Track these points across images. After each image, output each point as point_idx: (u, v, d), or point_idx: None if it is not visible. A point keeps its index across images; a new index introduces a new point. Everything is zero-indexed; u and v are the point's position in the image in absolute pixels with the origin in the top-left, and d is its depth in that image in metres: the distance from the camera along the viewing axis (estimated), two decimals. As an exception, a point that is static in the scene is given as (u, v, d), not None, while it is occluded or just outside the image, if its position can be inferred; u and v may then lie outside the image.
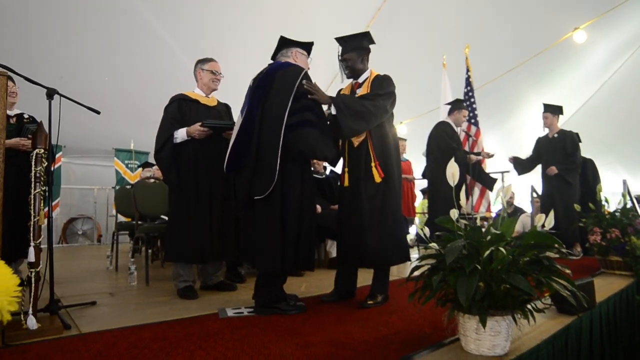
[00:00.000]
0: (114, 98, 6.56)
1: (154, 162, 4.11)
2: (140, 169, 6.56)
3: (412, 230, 6.84)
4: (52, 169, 2.40)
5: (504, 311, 1.61)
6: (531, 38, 6.37)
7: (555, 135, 5.13)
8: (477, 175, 4.90)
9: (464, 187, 1.81)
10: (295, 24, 6.28)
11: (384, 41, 6.95)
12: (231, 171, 2.60)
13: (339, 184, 3.04)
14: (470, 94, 5.72)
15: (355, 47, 2.76)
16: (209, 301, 2.79)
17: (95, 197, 7.59)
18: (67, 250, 6.56)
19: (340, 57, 2.77)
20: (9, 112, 3.12)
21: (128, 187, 4.63)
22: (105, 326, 2.16)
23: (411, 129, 8.35)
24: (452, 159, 1.77)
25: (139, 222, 3.69)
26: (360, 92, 2.75)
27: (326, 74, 7.24)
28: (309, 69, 2.70)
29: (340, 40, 2.81)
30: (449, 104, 5.00)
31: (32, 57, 5.57)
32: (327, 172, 5.13)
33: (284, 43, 2.70)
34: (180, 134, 2.95)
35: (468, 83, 5.78)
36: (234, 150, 2.52)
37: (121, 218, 4.55)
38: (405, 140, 6.66)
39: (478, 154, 4.89)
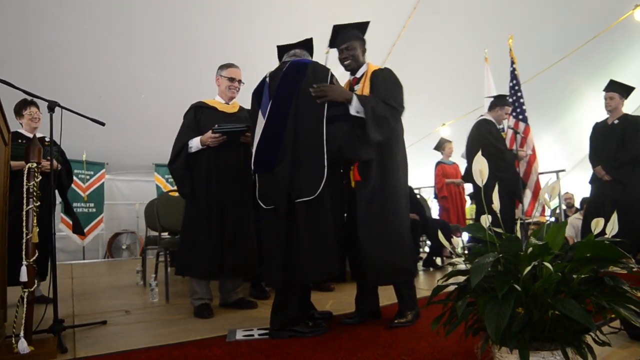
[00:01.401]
0: (152, 114, 6.68)
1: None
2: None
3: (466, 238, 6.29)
4: (54, 182, 2.31)
5: (553, 344, 1.25)
6: (584, 21, 5.69)
7: (616, 121, 4.10)
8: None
9: (496, 188, 1.47)
10: (328, 28, 6.08)
11: (421, 41, 6.62)
12: (260, 172, 2.32)
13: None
14: (516, 87, 5.20)
15: (357, 36, 2.46)
16: (225, 320, 2.60)
17: (137, 212, 7.75)
18: (109, 265, 6.71)
19: (338, 48, 2.47)
20: (29, 135, 3.17)
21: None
22: (104, 350, 2.01)
23: (455, 130, 7.83)
24: (479, 153, 1.43)
25: (164, 236, 3.60)
26: (359, 89, 2.42)
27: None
28: None
29: (338, 27, 2.47)
30: (491, 97, 4.55)
31: (73, 80, 5.78)
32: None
33: (306, 45, 2.52)
34: (195, 143, 2.81)
35: (514, 76, 5.26)
36: (262, 148, 2.28)
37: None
38: (451, 142, 6.23)
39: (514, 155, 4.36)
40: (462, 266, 1.43)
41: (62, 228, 6.87)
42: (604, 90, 4.18)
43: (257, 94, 2.43)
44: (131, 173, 8.17)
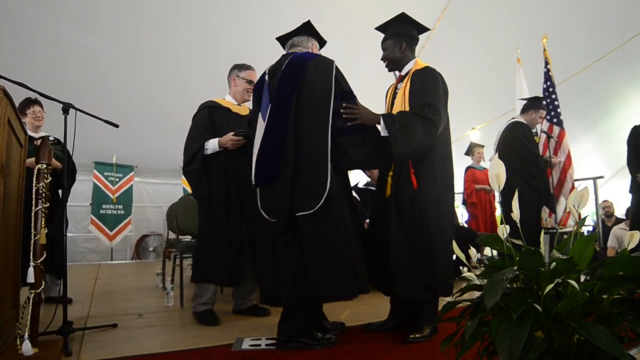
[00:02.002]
0: (178, 119, 6.78)
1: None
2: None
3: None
4: (64, 183, 2.32)
5: (579, 375, 1.09)
6: (623, 19, 5.30)
7: None
8: None
9: (516, 195, 1.32)
10: (359, 29, 6.00)
11: (451, 41, 6.40)
12: (262, 184, 2.19)
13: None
14: (551, 89, 4.91)
15: (392, 35, 2.39)
16: (235, 327, 2.54)
17: (165, 214, 7.87)
18: (135, 266, 6.82)
19: None
20: (34, 134, 3.20)
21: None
22: (108, 354, 1.99)
23: (485, 135, 7.53)
24: (496, 155, 1.29)
25: (182, 239, 3.60)
26: (401, 88, 2.32)
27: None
28: None
29: (379, 29, 2.45)
30: (524, 99, 4.30)
31: (102, 85, 5.95)
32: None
33: (308, 29, 2.35)
34: (212, 145, 2.69)
35: (548, 78, 4.98)
36: (263, 158, 2.14)
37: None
38: (482, 147, 5.98)
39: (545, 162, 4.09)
40: (476, 281, 1.29)
41: (92, 229, 7.07)
42: None
43: (257, 92, 2.31)
44: (159, 176, 8.33)
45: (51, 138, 3.25)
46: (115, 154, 7.26)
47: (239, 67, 2.91)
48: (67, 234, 7.57)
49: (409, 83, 2.28)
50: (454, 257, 2.03)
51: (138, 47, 5.65)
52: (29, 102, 3.22)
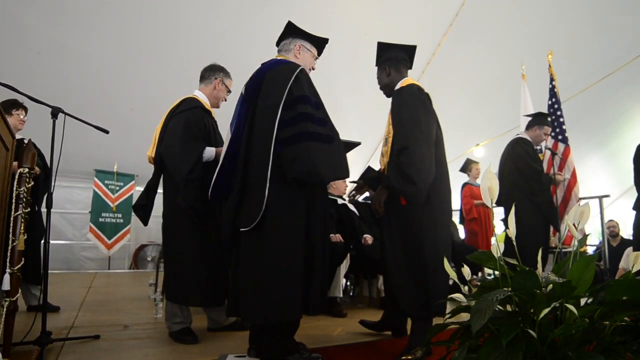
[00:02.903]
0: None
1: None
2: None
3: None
4: (52, 190, 2.25)
5: (577, 410, 0.99)
6: (630, 36, 5.23)
7: None
8: None
9: (513, 210, 1.24)
10: (364, 44, 5.99)
11: (456, 56, 6.37)
12: (216, 200, 2.17)
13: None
14: (556, 106, 4.83)
15: (378, 64, 2.54)
16: (220, 341, 2.44)
17: (164, 224, 7.82)
18: (131, 276, 6.74)
19: None
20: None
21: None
22: (83, 368, 1.89)
23: (489, 151, 7.44)
24: (489, 168, 1.21)
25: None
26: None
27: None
28: (313, 68, 2.27)
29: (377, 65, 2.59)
30: (529, 115, 4.22)
31: (104, 93, 5.96)
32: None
33: (289, 31, 2.24)
34: (208, 154, 2.47)
35: (553, 94, 4.90)
36: (221, 174, 2.11)
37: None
38: (478, 163, 5.89)
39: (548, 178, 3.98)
40: (465, 302, 1.19)
41: (90, 237, 7.01)
42: None
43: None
44: (160, 186, 8.28)
45: (25, 141, 3.20)
46: (116, 162, 7.24)
47: (226, 73, 2.77)
48: (65, 242, 7.47)
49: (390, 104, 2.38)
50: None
51: (141, 55, 5.67)
52: (17, 104, 3.17)
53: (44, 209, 2.52)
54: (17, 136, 3.23)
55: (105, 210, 7.11)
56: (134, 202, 7.48)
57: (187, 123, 2.49)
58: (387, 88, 2.48)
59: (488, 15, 5.56)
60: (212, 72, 2.73)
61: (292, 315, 1.90)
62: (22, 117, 3.20)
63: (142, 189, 9.08)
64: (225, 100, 2.81)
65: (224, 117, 2.67)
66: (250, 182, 1.97)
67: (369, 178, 2.65)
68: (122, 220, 7.26)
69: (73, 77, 5.61)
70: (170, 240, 2.57)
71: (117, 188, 7.31)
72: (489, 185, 1.16)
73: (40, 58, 5.29)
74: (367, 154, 7.76)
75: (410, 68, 2.55)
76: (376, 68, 2.57)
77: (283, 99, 1.93)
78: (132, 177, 7.47)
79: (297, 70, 2.00)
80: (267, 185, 1.88)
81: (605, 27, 5.12)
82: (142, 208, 2.65)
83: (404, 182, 2.10)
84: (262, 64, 2.18)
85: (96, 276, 6.34)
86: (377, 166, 2.69)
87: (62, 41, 5.15)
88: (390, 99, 2.45)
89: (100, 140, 6.22)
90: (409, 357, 2.07)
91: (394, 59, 2.45)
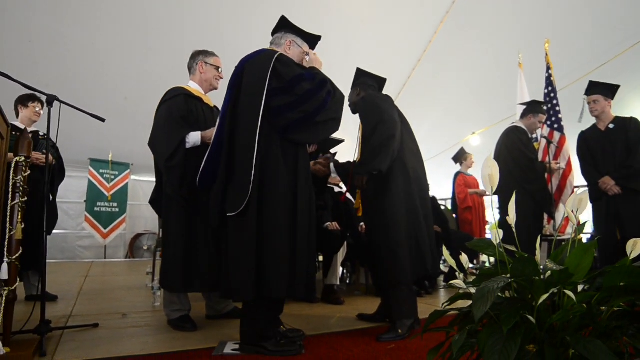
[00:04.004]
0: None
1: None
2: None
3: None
4: (53, 180, 2.23)
5: (574, 393, 1.01)
6: (627, 24, 5.19)
7: (611, 126, 3.59)
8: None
9: (513, 198, 1.25)
10: (360, 32, 5.94)
11: (453, 45, 6.33)
12: (204, 186, 2.20)
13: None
14: (552, 94, 4.84)
15: (353, 85, 2.88)
16: (218, 329, 2.46)
17: (160, 213, 7.81)
18: (127, 265, 6.75)
19: None
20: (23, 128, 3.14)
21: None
22: (83, 355, 1.91)
23: (485, 139, 7.46)
24: (490, 155, 1.22)
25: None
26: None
27: (396, 83, 6.73)
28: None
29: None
30: (524, 104, 4.24)
31: (99, 81, 5.88)
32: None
33: (281, 25, 2.29)
34: (193, 139, 2.46)
35: (549, 83, 4.91)
36: (209, 161, 2.16)
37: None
38: (471, 154, 5.92)
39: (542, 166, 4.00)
40: (465, 289, 1.21)
41: (86, 227, 6.99)
42: (584, 95, 3.74)
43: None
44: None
45: (41, 133, 3.19)
46: (111, 151, 7.19)
47: (205, 53, 2.73)
48: (60, 231, 7.46)
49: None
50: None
51: (136, 43, 5.58)
52: (33, 97, 3.20)
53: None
54: (33, 128, 3.23)
55: (100, 199, 7.08)
56: (129, 190, 7.51)
57: (167, 112, 2.51)
58: (353, 105, 2.85)
59: (485, 3, 5.52)
60: (193, 60, 2.75)
61: (275, 292, 1.93)
62: (37, 109, 3.22)
63: (137, 177, 9.01)
64: (221, 78, 2.76)
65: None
66: (235, 169, 2.02)
67: (338, 166, 2.97)
68: (117, 210, 7.25)
69: (66, 65, 5.52)
70: (165, 228, 2.61)
71: (112, 177, 7.27)
72: (490, 172, 1.17)
73: (33, 46, 5.21)
74: (351, 151, 7.75)
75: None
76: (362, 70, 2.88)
77: (265, 87, 1.99)
78: (127, 165, 7.43)
79: (276, 56, 2.06)
80: (252, 171, 1.94)
81: (601, 16, 5.10)
82: (156, 202, 2.71)
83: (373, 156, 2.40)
84: (246, 55, 2.22)
85: (92, 265, 6.35)
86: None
87: (55, 29, 5.06)
88: (355, 116, 2.82)
89: (94, 129, 6.18)
90: (390, 336, 2.25)
91: (366, 83, 2.83)
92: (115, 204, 7.22)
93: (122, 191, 7.34)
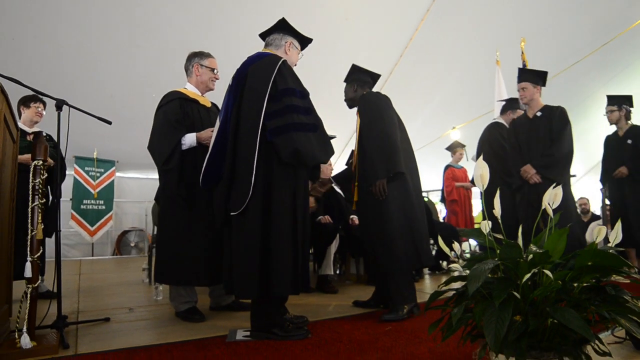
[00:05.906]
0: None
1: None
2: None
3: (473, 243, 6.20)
4: (60, 180, 2.33)
5: (551, 353, 1.22)
6: (599, 24, 5.56)
7: (538, 114, 3.63)
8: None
9: (498, 192, 1.45)
10: (341, 30, 6.07)
11: (432, 43, 6.56)
12: (207, 186, 2.35)
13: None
14: (527, 91, 5.11)
15: (349, 80, 2.96)
16: (226, 319, 2.61)
17: (146, 210, 7.82)
18: (116, 262, 6.78)
19: None
20: (27, 129, 3.18)
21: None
22: (105, 347, 2.03)
23: (466, 134, 7.75)
24: (481, 157, 1.41)
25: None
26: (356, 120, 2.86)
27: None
28: (295, 65, 2.43)
29: (345, 80, 3.00)
30: (503, 101, 4.50)
31: (84, 79, 5.85)
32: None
33: (281, 27, 2.39)
34: (189, 141, 2.58)
35: (525, 80, 5.18)
36: (210, 162, 2.29)
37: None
38: (463, 147, 6.21)
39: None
40: (461, 272, 1.41)
41: (72, 225, 6.97)
42: (518, 83, 3.70)
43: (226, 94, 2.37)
44: (141, 171, 8.25)
45: (44, 134, 3.24)
46: (96, 148, 7.15)
47: (200, 55, 2.81)
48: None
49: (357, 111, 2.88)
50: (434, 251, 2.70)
51: (123, 41, 5.58)
52: (35, 98, 3.22)
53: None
54: (35, 128, 3.27)
55: (86, 197, 7.06)
56: (115, 188, 7.49)
57: (163, 117, 2.62)
58: (351, 101, 2.94)
59: (464, 2, 5.75)
60: (189, 62, 2.83)
61: (279, 290, 2.08)
62: (39, 109, 3.27)
63: (123, 175, 8.95)
64: (217, 79, 2.85)
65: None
66: (238, 169, 2.14)
67: (340, 177, 3.12)
68: (104, 207, 7.24)
69: (51, 63, 5.48)
70: (163, 224, 2.71)
71: (98, 174, 7.25)
72: (481, 172, 1.36)
73: (16, 44, 5.16)
74: (340, 147, 7.93)
75: (371, 90, 3.02)
76: (353, 72, 2.97)
77: (268, 91, 2.10)
78: (113, 163, 7.41)
79: (280, 63, 2.17)
80: (254, 172, 2.07)
81: (573, 17, 5.41)
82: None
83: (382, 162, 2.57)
84: (248, 58, 2.33)
85: (81, 263, 6.36)
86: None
87: (39, 26, 5.02)
88: (351, 110, 2.96)
89: (78, 126, 6.14)
90: (391, 317, 2.45)
91: (362, 80, 2.92)
92: (101, 202, 7.21)
93: (108, 188, 7.33)
